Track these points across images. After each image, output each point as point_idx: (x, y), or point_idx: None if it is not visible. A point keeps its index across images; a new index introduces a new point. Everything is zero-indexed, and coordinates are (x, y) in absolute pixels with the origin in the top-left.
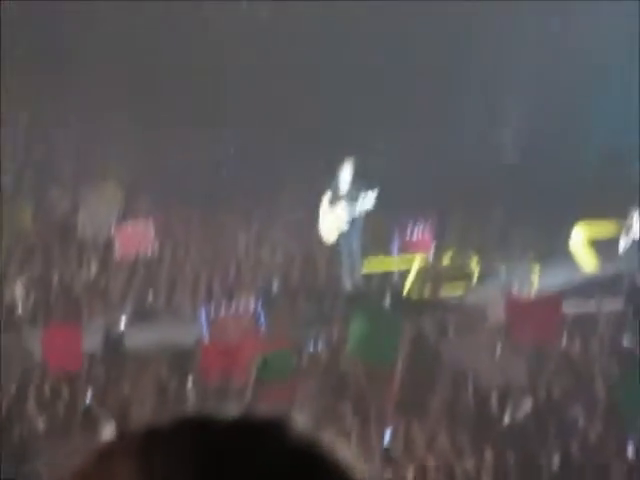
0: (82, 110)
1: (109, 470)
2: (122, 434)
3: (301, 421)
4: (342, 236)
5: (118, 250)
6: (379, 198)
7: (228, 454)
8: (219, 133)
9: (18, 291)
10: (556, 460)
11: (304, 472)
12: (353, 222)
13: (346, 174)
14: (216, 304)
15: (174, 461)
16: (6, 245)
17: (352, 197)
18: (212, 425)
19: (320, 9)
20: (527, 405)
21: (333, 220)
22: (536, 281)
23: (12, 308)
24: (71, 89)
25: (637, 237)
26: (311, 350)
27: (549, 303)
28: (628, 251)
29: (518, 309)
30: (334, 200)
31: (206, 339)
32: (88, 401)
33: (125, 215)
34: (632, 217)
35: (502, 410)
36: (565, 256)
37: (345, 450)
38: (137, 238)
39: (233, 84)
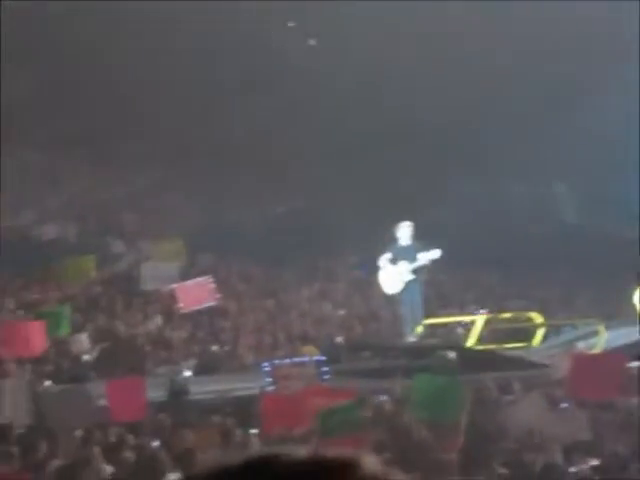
0: (145, 163)
1: None
2: (195, 475)
3: (371, 462)
4: (404, 291)
5: (183, 304)
6: (442, 254)
7: None
8: (282, 188)
9: (84, 341)
10: None
11: None
12: (415, 278)
13: (407, 231)
14: (279, 355)
15: None
16: (71, 295)
17: (412, 254)
18: (281, 464)
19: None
20: (592, 462)
21: (394, 276)
22: (602, 339)
23: (78, 358)
24: (134, 143)
25: None
26: (374, 403)
27: (614, 360)
28: None
29: (583, 365)
30: (395, 256)
31: (269, 389)
32: (153, 449)
33: (188, 268)
34: None
35: (568, 466)
36: (630, 316)
37: None
38: (199, 291)
39: (297, 138)
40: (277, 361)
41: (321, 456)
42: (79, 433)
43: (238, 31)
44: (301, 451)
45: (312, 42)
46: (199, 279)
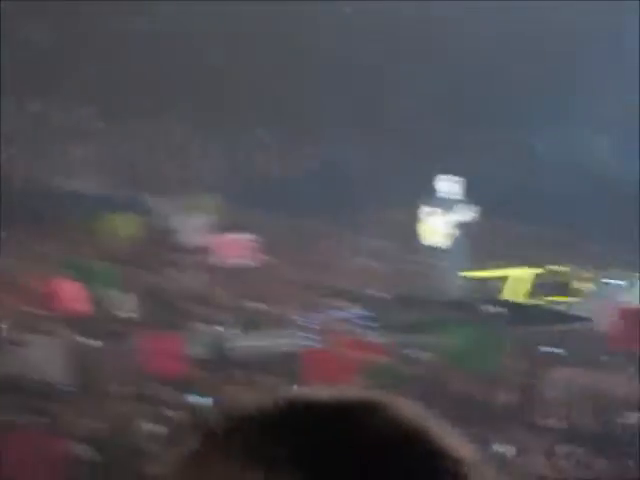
0: (175, 125)
1: (220, 449)
2: (228, 415)
3: (399, 402)
4: (448, 244)
5: (218, 257)
6: (484, 210)
7: (334, 432)
8: (317, 143)
9: (126, 298)
10: None
11: (405, 449)
12: (458, 231)
13: (449, 184)
14: (319, 311)
15: (284, 441)
16: (114, 253)
17: (455, 207)
18: (309, 403)
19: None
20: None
21: (437, 229)
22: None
23: (120, 315)
24: (171, 102)
25: None
26: (413, 357)
27: None
28: None
29: (627, 318)
30: (436, 211)
31: (310, 345)
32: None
33: (225, 225)
34: None
35: (612, 419)
36: None
37: (447, 431)
38: (239, 247)
39: (328, 93)
40: (316, 316)
41: (351, 396)
42: (121, 390)
43: None
44: (329, 391)
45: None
46: (241, 235)
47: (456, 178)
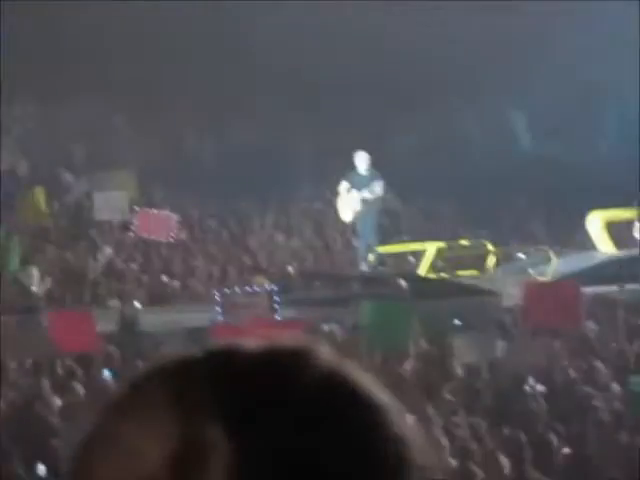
0: (93, 99)
1: (142, 397)
2: (153, 367)
3: (326, 351)
4: (358, 220)
5: (136, 231)
6: (397, 184)
7: (259, 378)
8: (236, 120)
9: (34, 274)
10: (569, 442)
11: (334, 396)
12: (368, 207)
13: (363, 160)
14: (231, 287)
15: (206, 388)
16: (22, 229)
17: (367, 183)
18: (239, 353)
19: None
20: (543, 387)
21: (348, 204)
22: (552, 266)
23: (28, 291)
24: (83, 75)
25: None
26: (327, 332)
27: (566, 286)
28: None
29: (536, 293)
30: (352, 185)
31: (220, 321)
32: (104, 381)
33: (140, 201)
34: None
35: (518, 392)
36: (582, 242)
37: (368, 379)
38: (158, 224)
39: (249, 71)
40: (227, 291)
41: (278, 345)
42: (28, 365)
43: None
44: (260, 342)
45: None
46: (162, 212)
47: (371, 156)
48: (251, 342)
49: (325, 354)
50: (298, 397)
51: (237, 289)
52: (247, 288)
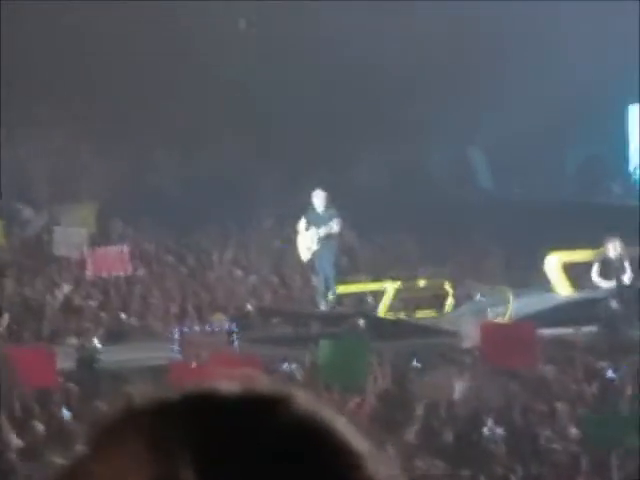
0: (55, 131)
1: (117, 438)
2: (129, 409)
3: (304, 397)
4: (316, 258)
5: (91, 270)
6: (355, 220)
7: (234, 423)
8: (194, 155)
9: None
10: None
11: (308, 442)
12: (326, 245)
13: (320, 198)
14: (189, 324)
15: (181, 431)
16: None
17: (324, 221)
18: (217, 397)
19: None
20: (501, 429)
21: (306, 242)
22: (510, 307)
23: None
24: (45, 110)
25: (612, 263)
26: (285, 370)
27: (524, 328)
28: (602, 277)
29: (493, 333)
30: (309, 223)
31: (178, 358)
32: (62, 419)
33: (99, 236)
34: (608, 244)
35: (477, 434)
36: (540, 283)
37: (344, 425)
38: (112, 259)
39: (212, 105)
40: (186, 329)
41: (256, 390)
42: None
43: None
44: (236, 386)
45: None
46: (114, 247)
47: (327, 193)
48: (227, 385)
49: (302, 399)
50: (273, 442)
51: (196, 327)
52: (206, 327)
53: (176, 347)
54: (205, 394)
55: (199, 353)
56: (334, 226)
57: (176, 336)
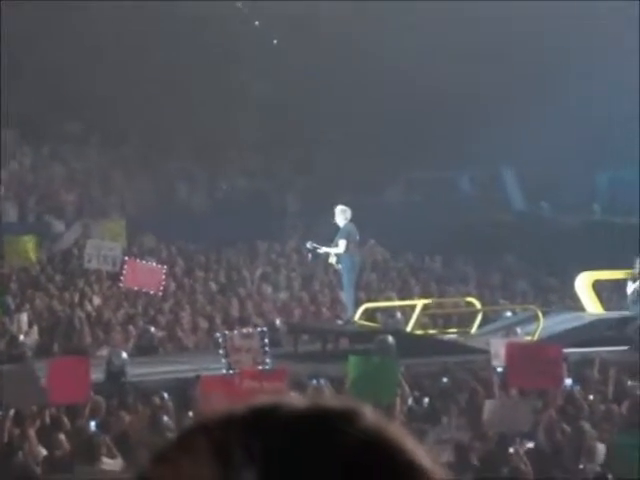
0: (88, 143)
1: (185, 447)
2: (199, 421)
3: (371, 412)
4: (342, 274)
5: (126, 282)
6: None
7: (300, 437)
8: (227, 171)
9: (23, 323)
10: None
11: (377, 458)
12: (342, 263)
13: (341, 215)
14: (224, 340)
15: (248, 448)
16: (8, 275)
17: (339, 238)
18: (284, 411)
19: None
20: (528, 448)
21: (337, 259)
22: (540, 326)
23: (16, 339)
24: (75, 121)
25: None
26: (314, 386)
27: (550, 348)
28: (634, 297)
29: (519, 353)
30: (337, 241)
31: (210, 372)
32: (89, 432)
33: (131, 251)
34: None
35: (503, 453)
36: (570, 302)
37: (411, 441)
38: (147, 275)
39: (242, 123)
40: (224, 343)
41: (323, 405)
42: (17, 416)
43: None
44: (301, 400)
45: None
46: (154, 264)
47: (350, 209)
48: (293, 400)
49: (369, 415)
50: (341, 456)
51: (226, 341)
52: (237, 340)
53: (207, 361)
54: (271, 409)
55: (239, 359)
56: (341, 246)
57: (207, 350)
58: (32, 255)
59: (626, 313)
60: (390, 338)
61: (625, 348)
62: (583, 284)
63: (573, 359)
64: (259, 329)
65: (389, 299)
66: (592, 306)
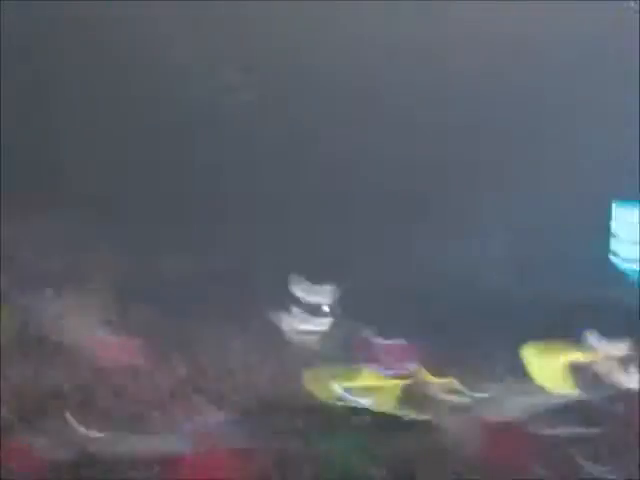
0: (69, 216)
1: None
2: None
3: None
4: (319, 350)
5: (100, 359)
6: (357, 316)
7: None
8: (203, 244)
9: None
10: None
11: None
12: (329, 337)
13: (317, 291)
14: (196, 416)
15: None
16: None
17: (323, 314)
18: None
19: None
20: None
21: (309, 332)
22: (509, 406)
23: None
24: (56, 186)
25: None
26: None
27: (517, 429)
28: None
29: (489, 432)
30: (307, 314)
31: (183, 451)
32: None
33: (108, 323)
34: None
35: None
36: (532, 381)
37: None
38: (118, 349)
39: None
40: (196, 420)
41: None
42: None
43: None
44: None
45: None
46: (125, 338)
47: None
48: None
49: None
50: None
51: (199, 417)
52: (210, 417)
53: (180, 438)
54: None
55: (203, 445)
56: (337, 319)
57: (180, 427)
58: (7, 327)
59: (597, 394)
60: (362, 417)
61: (594, 430)
62: (555, 364)
63: (541, 440)
64: (230, 418)
65: (364, 377)
66: (563, 386)
